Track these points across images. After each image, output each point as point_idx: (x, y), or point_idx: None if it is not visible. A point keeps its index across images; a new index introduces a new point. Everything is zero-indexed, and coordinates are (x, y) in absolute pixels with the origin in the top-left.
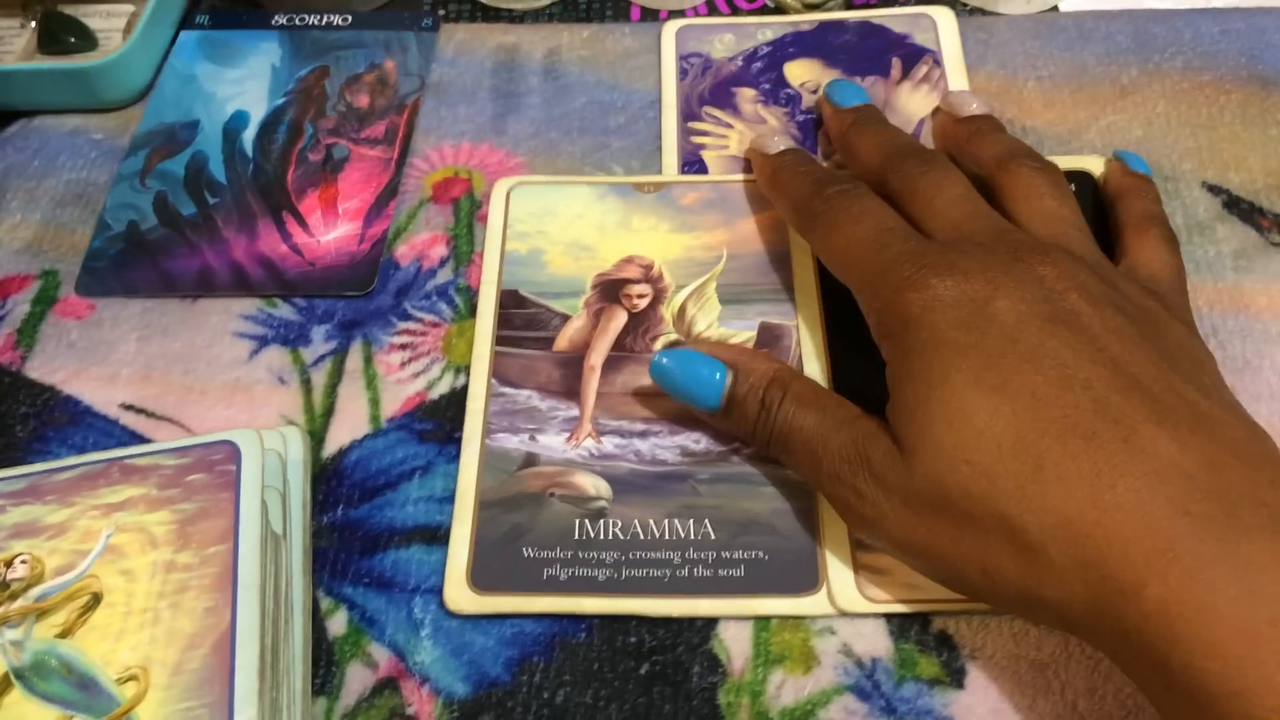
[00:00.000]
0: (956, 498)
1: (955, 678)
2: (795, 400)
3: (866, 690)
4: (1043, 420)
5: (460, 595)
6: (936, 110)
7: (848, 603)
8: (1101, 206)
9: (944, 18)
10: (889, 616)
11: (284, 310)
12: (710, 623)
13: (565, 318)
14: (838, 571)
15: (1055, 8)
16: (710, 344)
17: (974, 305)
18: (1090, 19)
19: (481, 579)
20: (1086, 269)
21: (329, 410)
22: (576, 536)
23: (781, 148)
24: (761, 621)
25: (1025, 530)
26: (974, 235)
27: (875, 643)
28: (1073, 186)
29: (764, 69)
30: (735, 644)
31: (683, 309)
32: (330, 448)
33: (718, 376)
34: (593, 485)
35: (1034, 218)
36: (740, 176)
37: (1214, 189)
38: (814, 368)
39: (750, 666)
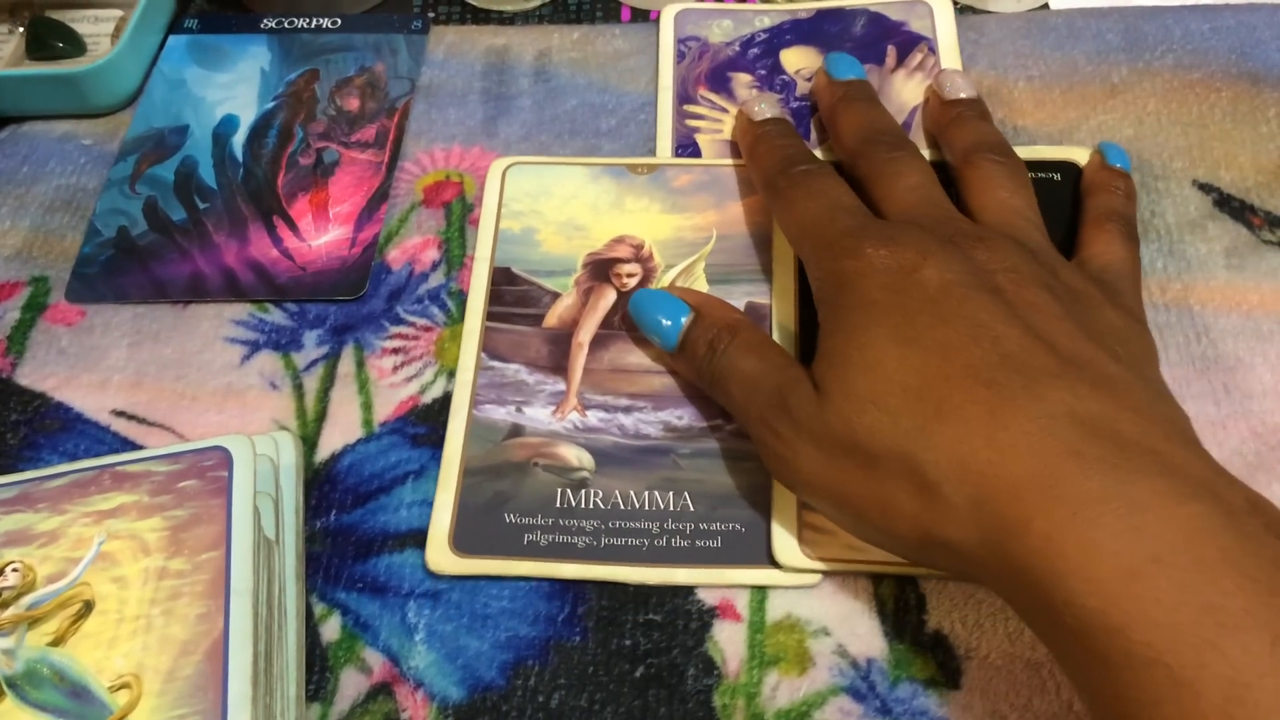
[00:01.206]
0: (863, 438)
1: (950, 678)
2: (741, 346)
3: (861, 691)
4: (948, 368)
5: (442, 557)
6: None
7: (789, 558)
8: (1076, 199)
9: (940, 5)
10: (884, 615)
11: (275, 315)
12: (705, 624)
13: (556, 295)
14: (781, 529)
15: (1045, 5)
16: (683, 288)
17: (902, 272)
18: (1080, 17)
19: (463, 542)
20: (1023, 254)
21: (321, 415)
22: (558, 505)
23: (768, 114)
24: (756, 623)
25: (923, 469)
26: (920, 219)
27: (870, 643)
28: (1057, 176)
29: (760, 55)
30: (730, 646)
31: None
32: (323, 452)
33: (681, 319)
34: (576, 456)
35: (986, 208)
36: (732, 161)
37: (1205, 187)
38: (783, 338)
39: (745, 668)
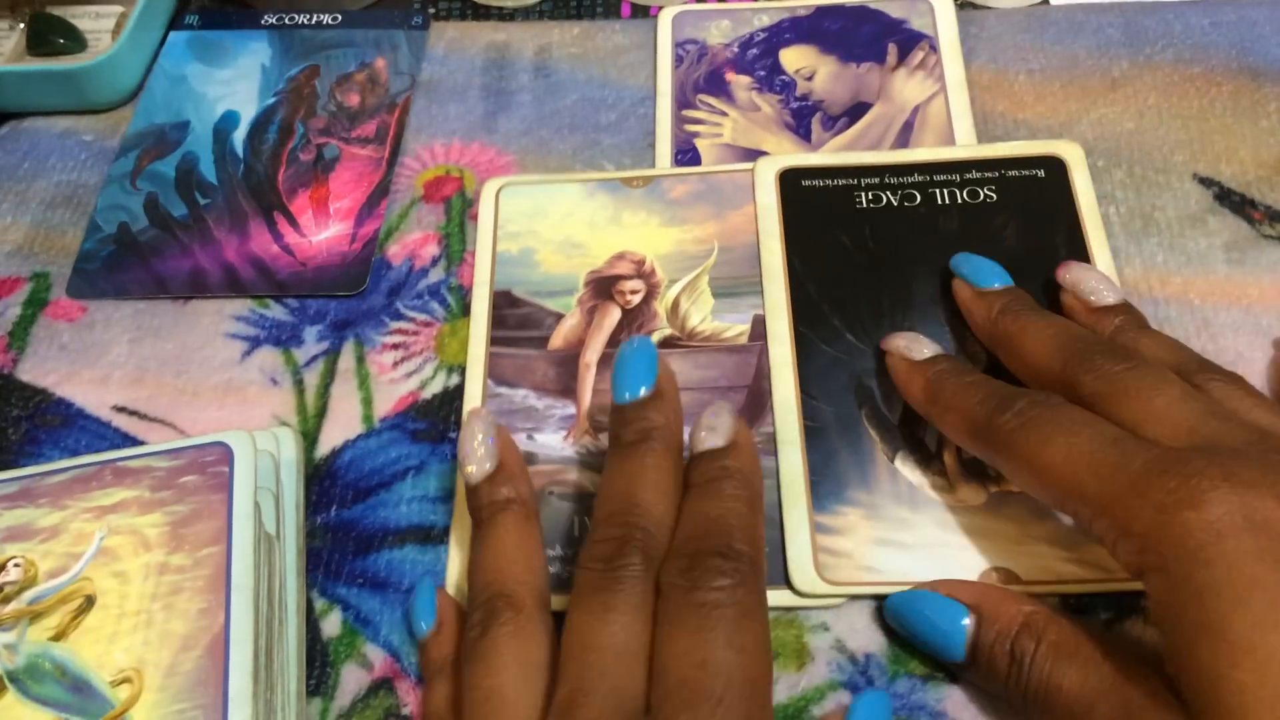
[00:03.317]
0: None
1: (948, 672)
2: (1052, 652)
3: (860, 686)
4: None
5: (461, 596)
6: (1060, 291)
7: (806, 584)
8: (1062, 196)
9: (941, 2)
10: (881, 610)
11: (276, 311)
12: None
13: (559, 316)
14: (796, 553)
15: (1046, 1)
16: (950, 583)
17: (1273, 528)
18: (1080, 12)
19: None
20: None
21: (321, 410)
22: (576, 534)
23: (928, 353)
24: None
25: None
26: (1223, 440)
27: (869, 638)
28: (1041, 172)
29: (759, 55)
30: None
31: (676, 303)
32: (323, 448)
33: (962, 623)
34: (591, 482)
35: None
36: (729, 167)
37: (1205, 181)
38: (782, 351)
39: None
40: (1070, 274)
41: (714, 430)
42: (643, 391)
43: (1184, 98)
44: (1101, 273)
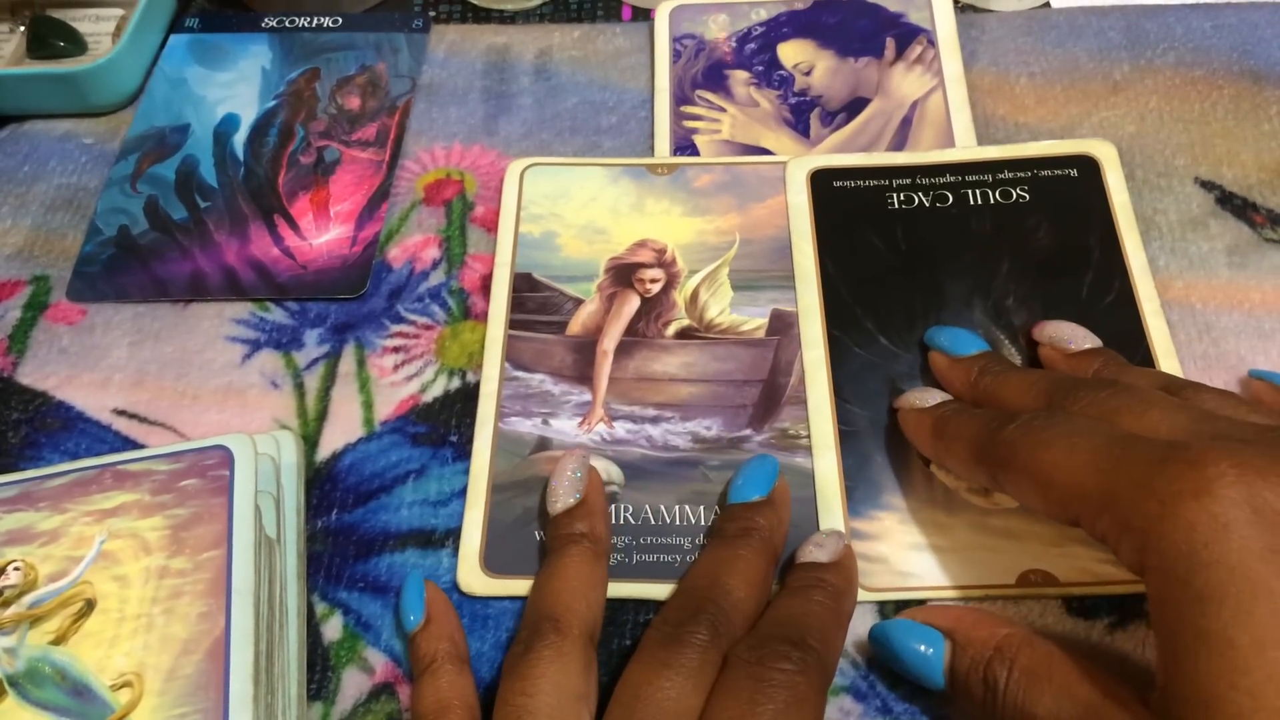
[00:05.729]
0: None
1: None
2: (1025, 676)
3: (863, 690)
4: None
5: (473, 578)
6: (1038, 344)
7: None
8: (1096, 195)
9: None
10: (884, 615)
11: (276, 314)
12: None
13: (578, 302)
14: None
15: (1047, 4)
16: (928, 609)
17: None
18: (1082, 15)
19: (494, 562)
20: None
21: (322, 414)
22: None
23: (936, 399)
24: None
25: None
26: (1227, 434)
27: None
28: (1074, 172)
29: (757, 50)
30: None
31: (695, 294)
32: (324, 451)
33: (935, 649)
34: (604, 470)
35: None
36: (755, 159)
37: (1207, 185)
38: (815, 355)
39: None
40: (1045, 329)
41: (821, 547)
42: (755, 497)
43: (1185, 101)
44: (1075, 324)
